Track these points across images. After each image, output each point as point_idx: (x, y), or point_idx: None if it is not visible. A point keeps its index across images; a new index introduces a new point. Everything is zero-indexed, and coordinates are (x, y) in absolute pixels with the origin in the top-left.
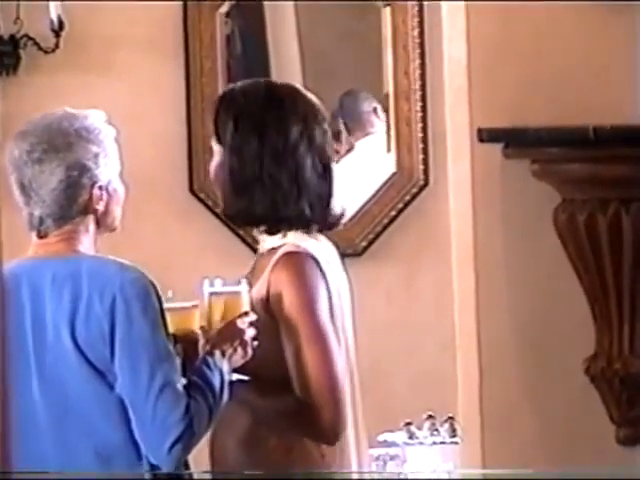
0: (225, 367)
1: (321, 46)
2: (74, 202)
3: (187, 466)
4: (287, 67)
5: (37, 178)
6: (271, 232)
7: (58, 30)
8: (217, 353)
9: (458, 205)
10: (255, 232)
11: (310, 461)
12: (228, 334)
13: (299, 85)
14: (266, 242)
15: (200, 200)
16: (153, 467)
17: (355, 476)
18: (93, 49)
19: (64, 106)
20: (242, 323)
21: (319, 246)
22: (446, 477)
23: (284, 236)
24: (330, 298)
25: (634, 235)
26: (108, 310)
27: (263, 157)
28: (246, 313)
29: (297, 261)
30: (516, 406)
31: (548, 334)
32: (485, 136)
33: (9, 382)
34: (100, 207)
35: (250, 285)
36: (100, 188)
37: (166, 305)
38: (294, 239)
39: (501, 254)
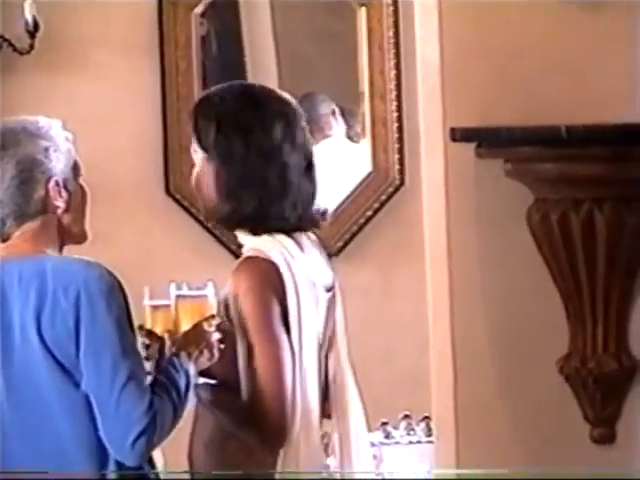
0: (191, 369)
1: (297, 46)
2: (30, 198)
3: (153, 465)
4: (263, 67)
5: None
6: (256, 233)
7: (33, 31)
8: (183, 355)
9: (431, 205)
10: (240, 235)
11: (269, 466)
12: (194, 337)
13: (273, 86)
14: (247, 244)
15: (176, 201)
16: (120, 466)
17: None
18: (68, 50)
19: (38, 106)
20: (208, 326)
21: (294, 249)
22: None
23: (269, 236)
24: (285, 305)
25: (607, 234)
26: (72, 306)
27: (249, 158)
28: (212, 316)
29: (253, 267)
30: (490, 405)
31: (522, 333)
32: (458, 136)
33: None
34: (60, 204)
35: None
36: (57, 184)
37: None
38: (264, 242)
39: (475, 253)
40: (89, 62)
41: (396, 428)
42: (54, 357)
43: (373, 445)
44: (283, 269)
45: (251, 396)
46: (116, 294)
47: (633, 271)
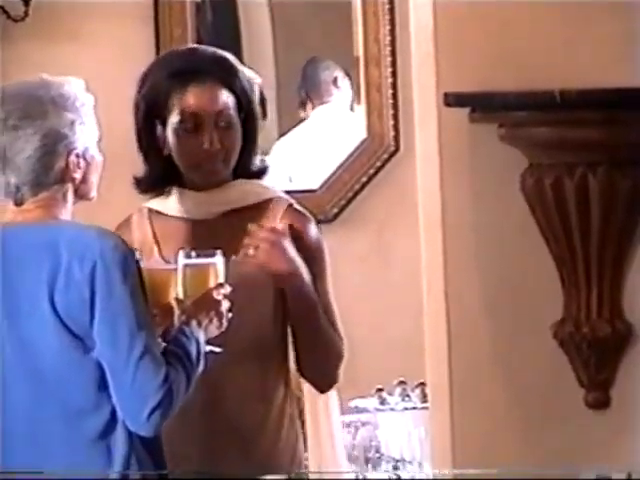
0: (201, 337)
1: (292, 13)
2: (50, 170)
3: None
4: (258, 35)
5: (12, 145)
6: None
7: None
8: (193, 323)
9: (425, 170)
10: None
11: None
12: (204, 305)
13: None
14: (225, 203)
15: None
16: (130, 434)
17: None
18: (62, 17)
19: (33, 74)
20: (217, 294)
21: None
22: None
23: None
24: None
25: (601, 199)
26: (88, 276)
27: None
28: (221, 285)
29: (306, 216)
30: (485, 371)
31: (516, 299)
32: (452, 101)
33: None
34: (78, 175)
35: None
36: (77, 156)
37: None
38: (280, 194)
39: (469, 218)
40: (83, 29)
41: (391, 394)
42: (65, 325)
43: (368, 411)
44: None
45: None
46: (131, 264)
47: (627, 236)
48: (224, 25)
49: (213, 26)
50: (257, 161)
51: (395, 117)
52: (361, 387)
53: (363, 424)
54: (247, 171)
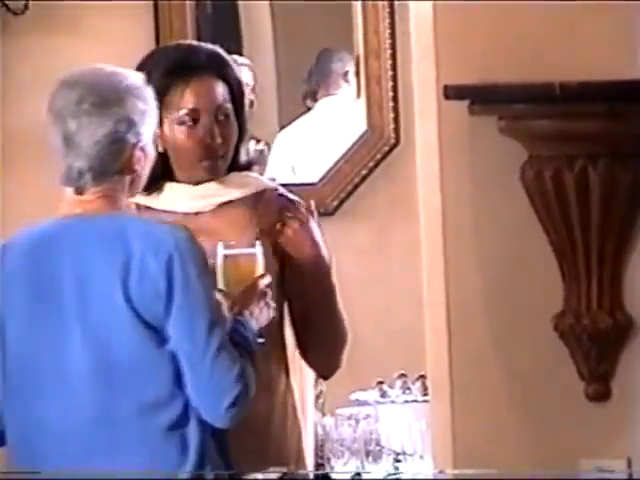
0: (255, 328)
1: (291, 5)
2: (116, 158)
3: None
4: (258, 27)
5: (83, 129)
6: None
7: None
8: (247, 313)
9: (425, 162)
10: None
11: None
12: (253, 295)
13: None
14: (220, 196)
15: None
16: (203, 426)
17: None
18: (62, 10)
19: (33, 67)
20: (263, 285)
21: None
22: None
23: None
24: None
25: (601, 191)
26: (164, 269)
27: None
28: (263, 275)
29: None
30: (485, 363)
31: (516, 291)
32: (451, 93)
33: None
34: (138, 168)
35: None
36: (141, 149)
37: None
38: (270, 183)
39: (469, 211)
40: (83, 22)
41: (392, 387)
42: (139, 316)
43: (369, 404)
44: None
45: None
46: (203, 257)
47: (627, 228)
48: (224, 17)
49: (213, 18)
50: (246, 153)
51: (395, 110)
52: (362, 380)
53: (364, 417)
54: (238, 163)
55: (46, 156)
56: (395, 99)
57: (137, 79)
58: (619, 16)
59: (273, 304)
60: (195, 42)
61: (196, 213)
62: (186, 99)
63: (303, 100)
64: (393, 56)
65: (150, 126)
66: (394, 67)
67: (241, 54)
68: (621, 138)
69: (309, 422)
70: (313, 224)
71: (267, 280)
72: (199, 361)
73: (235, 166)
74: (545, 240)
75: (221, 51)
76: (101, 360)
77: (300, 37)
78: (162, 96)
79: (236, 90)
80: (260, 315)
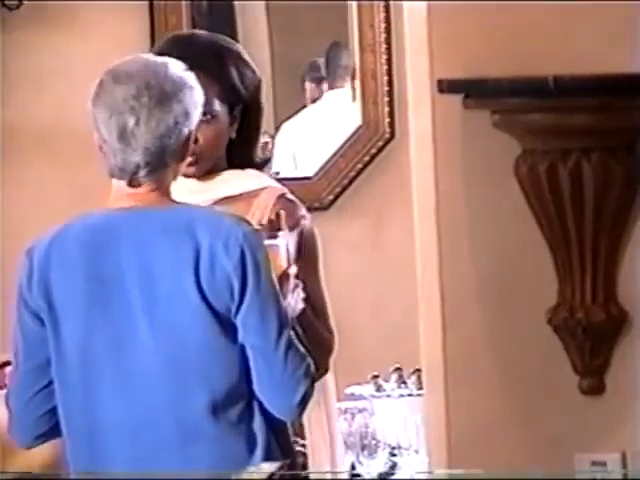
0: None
1: (287, 1)
2: (174, 152)
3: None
4: (253, 23)
5: (142, 125)
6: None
7: None
8: (286, 305)
9: (419, 157)
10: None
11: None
12: (287, 286)
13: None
14: (217, 190)
15: None
16: (268, 420)
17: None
18: (57, 5)
19: (28, 62)
20: (293, 275)
21: None
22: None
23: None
24: None
25: (595, 185)
26: (238, 262)
27: None
28: (289, 266)
29: (296, 204)
30: (480, 357)
31: (510, 285)
32: (445, 87)
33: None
34: (188, 158)
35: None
36: (190, 139)
37: None
38: (273, 183)
39: (463, 205)
40: (78, 17)
41: (387, 381)
42: (213, 310)
43: (364, 398)
44: None
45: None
46: (266, 249)
47: (621, 221)
48: (220, 12)
49: (209, 14)
50: (257, 152)
51: (390, 104)
52: (357, 374)
53: (359, 411)
54: (244, 161)
55: (43, 151)
56: (390, 93)
57: (183, 70)
58: (612, 10)
59: (303, 294)
60: (197, 32)
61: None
62: None
63: (304, 91)
64: (388, 50)
65: (198, 117)
66: (389, 61)
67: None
68: (615, 132)
69: (333, 413)
70: (289, 241)
71: (294, 270)
72: (272, 356)
73: (241, 163)
74: (539, 234)
75: (220, 46)
76: (171, 355)
77: (296, 33)
78: None
79: (229, 89)
80: (295, 306)
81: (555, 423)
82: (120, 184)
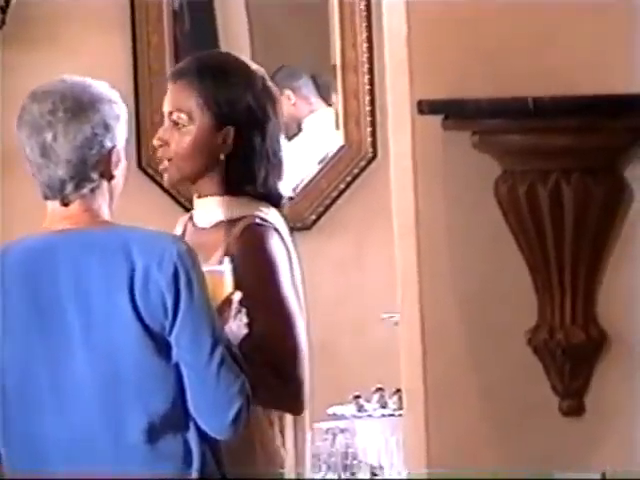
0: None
1: (270, 20)
2: (96, 164)
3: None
4: (236, 41)
5: (59, 137)
6: (276, 204)
7: (4, 6)
8: (227, 330)
9: (399, 177)
10: (203, 204)
11: (260, 429)
12: (230, 312)
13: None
14: (211, 215)
15: (148, 175)
16: (202, 438)
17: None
18: (40, 25)
19: (11, 80)
20: (236, 301)
21: (279, 218)
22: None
23: (247, 208)
24: (292, 269)
25: (575, 205)
26: (171, 280)
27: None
28: (234, 292)
29: (262, 233)
30: (459, 378)
31: (490, 305)
32: (425, 108)
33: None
34: (116, 173)
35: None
36: (117, 153)
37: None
38: (255, 211)
39: (443, 226)
40: (61, 36)
41: (369, 401)
42: (148, 330)
43: (346, 418)
44: (285, 236)
45: (270, 360)
46: (201, 268)
47: (600, 242)
48: (202, 31)
49: (191, 33)
50: (257, 181)
51: (372, 124)
52: (339, 394)
53: (341, 431)
54: (239, 187)
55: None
56: (372, 113)
57: (105, 86)
58: (591, 32)
59: (246, 320)
60: (222, 51)
61: (203, 228)
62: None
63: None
64: (371, 70)
65: (123, 132)
66: (371, 81)
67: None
68: (594, 152)
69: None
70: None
71: (238, 296)
72: (204, 373)
73: (239, 190)
74: (519, 255)
75: (214, 61)
76: (107, 375)
77: (278, 52)
78: None
79: (211, 102)
80: (237, 331)
81: (535, 443)
82: (54, 206)
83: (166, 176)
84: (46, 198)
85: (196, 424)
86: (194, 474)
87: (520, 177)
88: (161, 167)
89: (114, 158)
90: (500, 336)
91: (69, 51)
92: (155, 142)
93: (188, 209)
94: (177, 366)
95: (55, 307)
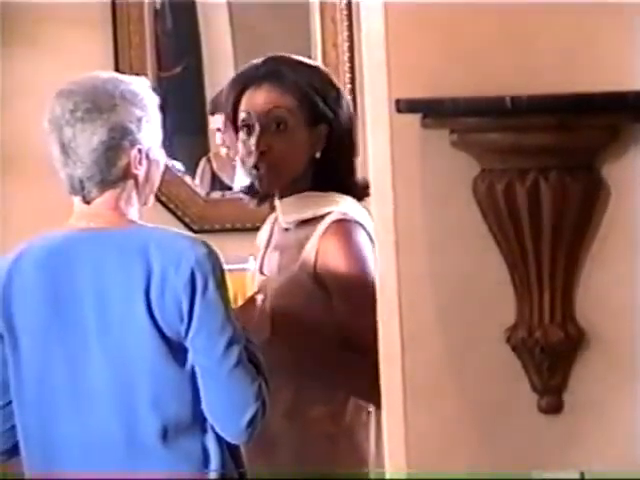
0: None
1: (251, 20)
2: (114, 165)
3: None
4: (218, 41)
5: (78, 137)
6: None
7: None
8: (247, 329)
9: (377, 176)
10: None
11: (356, 426)
12: (252, 311)
13: (228, 59)
14: (297, 213)
15: None
16: (219, 442)
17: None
18: (20, 23)
19: None
20: (260, 301)
21: (363, 211)
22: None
23: (333, 204)
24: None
25: (553, 203)
26: (187, 284)
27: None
28: (258, 291)
29: (348, 229)
30: (438, 376)
31: (469, 304)
32: (403, 107)
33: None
34: (140, 172)
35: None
36: (139, 151)
37: None
38: (342, 207)
39: (421, 224)
40: (41, 36)
41: None
42: (162, 332)
43: None
44: (370, 231)
45: (361, 350)
46: (223, 273)
47: (578, 240)
48: (184, 30)
49: (173, 32)
50: (350, 176)
51: None
52: None
53: None
54: (329, 184)
55: (9, 168)
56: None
57: (136, 85)
58: (569, 30)
59: (268, 321)
60: (294, 55)
61: (286, 228)
62: (242, 107)
63: None
64: (352, 69)
65: (151, 132)
66: (352, 80)
67: (201, 69)
68: (572, 150)
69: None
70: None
71: (261, 296)
72: (219, 374)
73: (326, 185)
74: (498, 253)
75: (302, 64)
76: (122, 378)
77: (260, 51)
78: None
79: (306, 104)
80: (259, 333)
81: (514, 442)
82: (78, 202)
83: (265, 181)
84: (71, 194)
85: (214, 432)
86: (212, 474)
87: (498, 175)
88: (261, 172)
89: (136, 158)
90: (479, 335)
91: (50, 50)
92: (260, 148)
93: (175, 214)
94: (193, 370)
95: (73, 307)
